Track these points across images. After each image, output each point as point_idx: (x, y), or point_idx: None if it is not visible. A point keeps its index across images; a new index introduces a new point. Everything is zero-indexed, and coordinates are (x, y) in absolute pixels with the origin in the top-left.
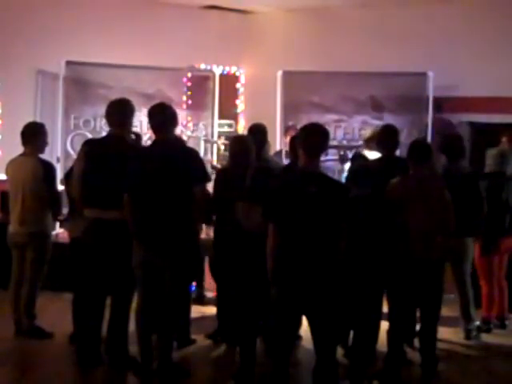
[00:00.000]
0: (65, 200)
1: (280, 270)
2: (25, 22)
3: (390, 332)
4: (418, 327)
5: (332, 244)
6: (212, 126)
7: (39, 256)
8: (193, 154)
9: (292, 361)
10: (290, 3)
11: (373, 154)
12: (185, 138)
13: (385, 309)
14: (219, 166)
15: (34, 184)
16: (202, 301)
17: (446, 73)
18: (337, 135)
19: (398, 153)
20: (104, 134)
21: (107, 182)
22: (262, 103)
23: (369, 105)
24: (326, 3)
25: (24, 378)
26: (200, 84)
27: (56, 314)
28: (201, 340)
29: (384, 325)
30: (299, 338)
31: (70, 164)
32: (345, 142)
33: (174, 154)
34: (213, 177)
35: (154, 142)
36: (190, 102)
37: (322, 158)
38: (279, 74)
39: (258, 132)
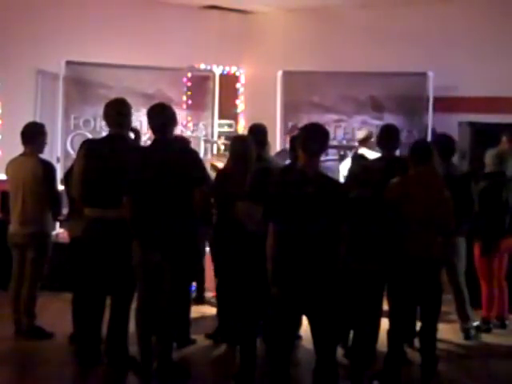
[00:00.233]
0: (65, 200)
1: (280, 270)
2: (25, 22)
3: (390, 332)
4: (418, 327)
5: (332, 244)
6: (212, 126)
7: (39, 256)
8: (193, 155)
9: (292, 361)
10: (290, 3)
11: (373, 154)
12: None
13: (385, 308)
14: (220, 164)
15: (34, 184)
16: (201, 301)
17: (445, 73)
18: (337, 135)
19: (397, 153)
20: (104, 134)
21: (107, 181)
22: (262, 103)
23: (369, 105)
24: (325, 3)
25: (24, 378)
26: (200, 84)
27: (56, 313)
28: (201, 340)
29: (384, 325)
30: (299, 337)
31: (69, 164)
32: (345, 142)
33: (173, 156)
34: (212, 177)
35: (154, 142)
36: (189, 102)
37: (322, 158)
38: (279, 73)
39: (259, 132)
